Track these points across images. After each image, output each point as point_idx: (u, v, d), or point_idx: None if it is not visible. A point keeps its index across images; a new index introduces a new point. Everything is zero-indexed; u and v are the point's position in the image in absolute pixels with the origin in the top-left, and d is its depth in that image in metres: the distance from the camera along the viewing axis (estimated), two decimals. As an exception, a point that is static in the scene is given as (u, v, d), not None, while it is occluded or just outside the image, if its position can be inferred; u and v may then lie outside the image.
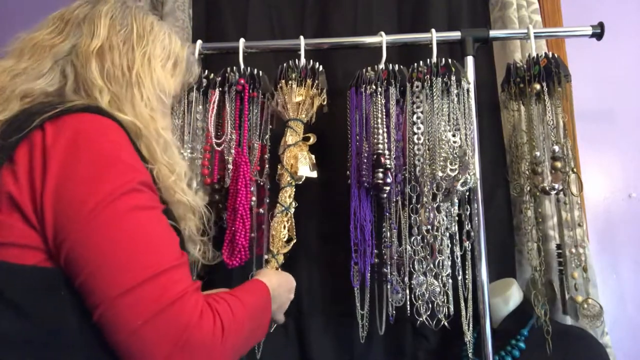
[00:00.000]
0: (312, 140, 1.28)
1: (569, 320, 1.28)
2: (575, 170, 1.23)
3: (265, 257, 1.22)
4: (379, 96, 1.26)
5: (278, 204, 1.22)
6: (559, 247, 1.28)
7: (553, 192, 1.22)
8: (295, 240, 1.22)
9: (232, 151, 1.24)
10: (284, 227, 1.21)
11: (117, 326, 0.59)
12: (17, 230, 0.62)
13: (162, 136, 0.77)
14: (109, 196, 0.62)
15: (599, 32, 1.32)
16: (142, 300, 0.59)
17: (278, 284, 0.93)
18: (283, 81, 1.30)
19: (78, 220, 0.61)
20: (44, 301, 0.62)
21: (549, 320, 1.23)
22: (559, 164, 1.20)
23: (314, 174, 1.25)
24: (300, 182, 1.24)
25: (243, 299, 0.73)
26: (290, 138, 1.26)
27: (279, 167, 1.26)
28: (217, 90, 1.28)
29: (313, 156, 1.26)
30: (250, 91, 1.29)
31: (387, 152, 1.22)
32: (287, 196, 1.22)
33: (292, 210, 1.22)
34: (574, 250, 1.24)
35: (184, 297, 0.62)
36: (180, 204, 0.79)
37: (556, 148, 1.21)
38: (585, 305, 1.21)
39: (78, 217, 0.61)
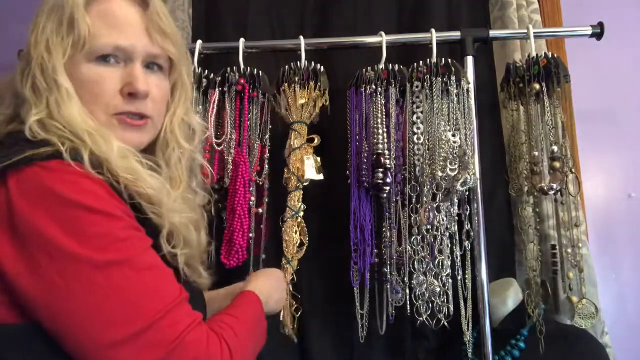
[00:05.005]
0: (317, 142, 1.28)
1: (567, 321, 1.28)
2: (573, 170, 1.23)
3: (282, 263, 1.22)
4: (379, 96, 1.26)
5: (288, 209, 1.23)
6: (553, 247, 1.28)
7: (551, 192, 1.22)
8: (307, 245, 1.23)
9: (232, 151, 1.24)
10: (296, 232, 1.22)
11: None
12: None
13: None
14: (94, 256, 0.60)
15: (598, 32, 1.32)
16: (147, 348, 0.60)
17: (268, 291, 0.93)
18: (286, 84, 1.30)
19: (65, 282, 0.59)
20: (15, 358, 0.62)
21: (549, 320, 1.23)
22: (557, 164, 1.20)
23: (321, 177, 1.25)
24: (306, 184, 1.24)
25: (240, 317, 0.75)
26: (295, 141, 1.26)
27: (285, 171, 1.26)
28: (217, 90, 1.28)
29: (319, 158, 1.27)
30: (251, 91, 1.29)
31: (387, 152, 1.22)
32: (296, 200, 1.24)
33: (302, 213, 1.23)
34: (570, 251, 1.24)
35: (189, 333, 0.63)
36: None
37: (555, 148, 1.21)
38: (580, 306, 1.21)
39: (63, 279, 0.59)
